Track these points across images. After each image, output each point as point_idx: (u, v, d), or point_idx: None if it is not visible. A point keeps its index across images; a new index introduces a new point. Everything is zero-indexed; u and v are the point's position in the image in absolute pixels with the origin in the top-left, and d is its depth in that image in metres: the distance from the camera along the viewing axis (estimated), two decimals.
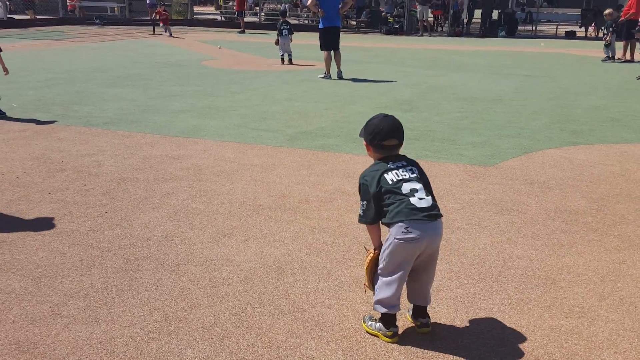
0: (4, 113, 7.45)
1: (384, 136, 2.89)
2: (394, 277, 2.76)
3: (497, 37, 23.87)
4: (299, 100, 9.10)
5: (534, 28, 26.54)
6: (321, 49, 11.58)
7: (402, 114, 8.14)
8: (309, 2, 11.55)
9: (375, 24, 26.45)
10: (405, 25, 24.98)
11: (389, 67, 13.69)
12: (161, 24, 21.75)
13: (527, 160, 5.94)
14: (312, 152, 6.11)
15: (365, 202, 2.87)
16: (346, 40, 21.25)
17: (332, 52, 11.51)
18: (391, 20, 25.53)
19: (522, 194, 4.92)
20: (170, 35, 21.14)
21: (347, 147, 6.32)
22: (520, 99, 9.50)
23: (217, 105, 8.52)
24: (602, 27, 25.00)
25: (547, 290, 3.33)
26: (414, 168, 2.93)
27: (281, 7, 12.30)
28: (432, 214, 2.77)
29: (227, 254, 3.71)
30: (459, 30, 25.32)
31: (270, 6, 37.02)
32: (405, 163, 2.93)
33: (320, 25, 11.50)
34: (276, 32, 13.93)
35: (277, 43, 13.76)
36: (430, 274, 2.88)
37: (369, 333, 2.88)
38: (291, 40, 13.88)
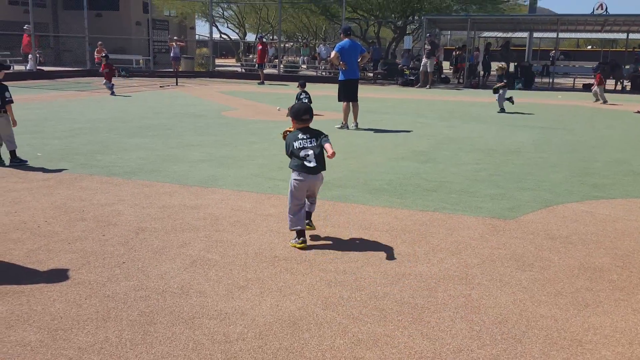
0: (25, 161, 7.60)
1: (302, 114, 4.90)
2: (297, 208, 4.82)
3: (513, 89, 24.02)
4: None
5: (551, 80, 26.70)
6: (339, 100, 11.72)
7: (419, 165, 8.15)
8: (331, 55, 11.75)
9: (391, 75, 26.79)
10: (420, 78, 25.25)
11: (405, 118, 13.79)
12: (104, 80, 18.17)
13: (548, 214, 5.88)
14: (328, 203, 6.10)
15: (286, 149, 4.93)
16: (363, 91, 21.48)
17: (351, 103, 11.64)
18: (407, 72, 25.86)
19: (544, 249, 4.85)
20: (112, 94, 17.80)
21: (364, 198, 6.31)
22: (538, 151, 9.48)
23: (235, 154, 8.60)
24: (621, 80, 25.11)
25: (573, 353, 3.23)
26: (313, 140, 4.84)
27: (300, 81, 12.59)
28: (313, 170, 4.76)
29: (241, 307, 3.67)
30: (475, 82, 25.55)
31: (290, 58, 37.79)
32: (309, 135, 4.86)
33: (341, 77, 11.67)
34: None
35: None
36: (313, 199, 5.06)
37: (294, 247, 4.80)
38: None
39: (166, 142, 9.57)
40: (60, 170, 7.29)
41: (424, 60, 24.25)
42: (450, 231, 5.27)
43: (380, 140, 10.29)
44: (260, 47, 24.18)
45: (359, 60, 11.60)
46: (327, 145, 4.79)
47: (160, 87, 21.23)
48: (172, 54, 26.90)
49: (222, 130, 11.08)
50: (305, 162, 4.72)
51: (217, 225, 5.31)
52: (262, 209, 5.83)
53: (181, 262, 4.39)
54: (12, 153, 7.65)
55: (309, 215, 5.11)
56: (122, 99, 17.18)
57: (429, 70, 24.16)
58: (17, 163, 7.57)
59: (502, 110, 15.11)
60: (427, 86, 24.04)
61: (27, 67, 24.45)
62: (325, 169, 4.86)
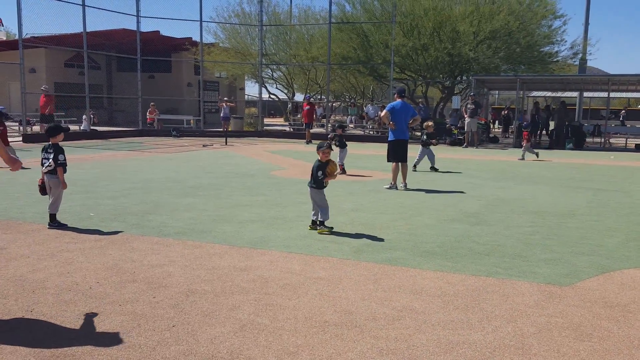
0: (65, 225, 7.64)
1: (319, 147, 7.87)
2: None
3: (564, 149, 23.66)
4: (365, 210, 9.14)
5: (602, 140, 26.22)
6: (388, 160, 11.74)
7: (470, 227, 8.01)
8: (382, 114, 11.85)
9: (439, 135, 26.74)
10: (471, 137, 25.15)
11: (455, 178, 13.68)
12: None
13: (605, 280, 5.66)
14: (378, 266, 6.03)
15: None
16: (411, 151, 21.56)
17: (400, 163, 11.65)
18: (455, 131, 25.81)
19: (602, 319, 4.64)
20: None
21: (415, 261, 6.21)
22: (593, 214, 9.22)
23: (284, 215, 8.64)
24: None
25: None
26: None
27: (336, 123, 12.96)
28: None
29: None
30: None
31: (337, 117, 38.27)
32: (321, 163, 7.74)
33: (390, 138, 11.72)
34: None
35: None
36: (317, 208, 7.84)
37: (321, 233, 7.41)
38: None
39: (216, 202, 9.72)
40: (112, 232, 7.45)
41: (467, 120, 24.20)
42: (505, 297, 5.12)
43: (430, 202, 10.21)
44: (307, 107, 24.61)
45: (410, 122, 11.67)
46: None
47: (204, 146, 21.70)
48: (222, 114, 27.64)
49: (271, 190, 11.20)
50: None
51: (267, 288, 5.29)
52: (312, 272, 5.80)
53: (231, 326, 4.37)
54: (52, 216, 7.68)
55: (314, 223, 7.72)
56: (172, 158, 17.63)
57: (473, 129, 24.07)
58: (56, 226, 7.60)
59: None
60: (475, 146, 23.89)
61: (82, 127, 25.48)
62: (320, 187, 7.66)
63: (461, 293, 5.22)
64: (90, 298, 4.97)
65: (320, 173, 7.57)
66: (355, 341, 4.15)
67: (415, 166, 15.02)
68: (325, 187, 7.70)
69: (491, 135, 28.19)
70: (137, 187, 11.17)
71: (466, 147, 23.95)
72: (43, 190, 7.80)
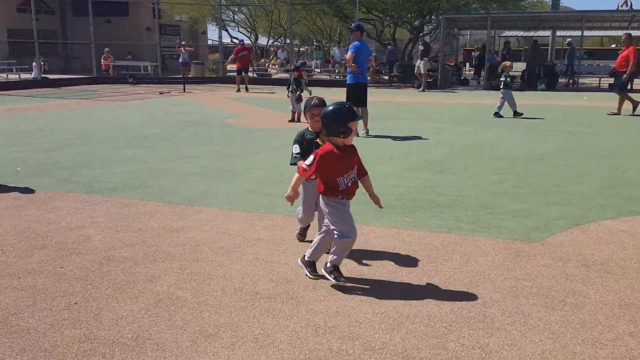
0: None
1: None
2: None
3: (536, 90, 23.10)
4: None
5: (574, 80, 25.71)
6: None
7: (433, 176, 7.40)
8: (347, 57, 11.02)
9: (408, 78, 25.96)
10: (439, 80, 24.42)
11: (421, 123, 13.01)
12: None
13: (579, 234, 5.09)
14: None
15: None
16: (377, 95, 20.81)
17: (360, 108, 10.91)
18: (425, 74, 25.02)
19: (576, 281, 4.07)
20: None
21: (368, 217, 5.57)
22: (565, 158, 8.66)
23: (232, 167, 7.91)
24: None
25: None
26: None
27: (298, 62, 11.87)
28: None
29: None
30: (495, 84, 24.65)
31: (308, 62, 37.09)
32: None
33: (349, 81, 10.95)
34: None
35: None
36: None
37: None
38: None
39: (160, 153, 8.92)
40: (36, 188, 6.66)
41: (418, 62, 23.34)
42: (466, 258, 4.52)
43: (391, 149, 9.55)
44: (242, 51, 22.64)
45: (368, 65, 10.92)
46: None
47: (160, 93, 20.61)
48: (180, 60, 26.32)
49: (223, 139, 10.41)
50: None
51: (196, 252, 4.61)
52: (252, 232, 5.13)
53: (144, 303, 3.70)
54: None
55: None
56: (124, 107, 16.63)
57: (422, 71, 23.21)
58: None
59: (498, 113, 14.04)
60: (421, 89, 23.07)
61: (32, 76, 24.09)
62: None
63: (417, 253, 4.61)
64: None
65: (297, 151, 4.55)
66: (289, 317, 3.51)
67: (498, 113, 13.97)
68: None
69: (462, 77, 27.46)
70: (77, 139, 10.29)
71: (422, 90, 23.09)
72: None
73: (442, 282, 4.05)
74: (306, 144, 4.47)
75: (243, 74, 22.25)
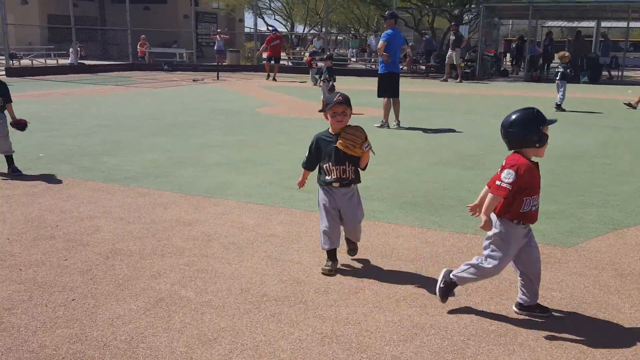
0: (19, 172, 6.58)
1: None
2: None
3: (578, 82, 22.31)
4: None
5: (619, 74, 24.77)
6: (379, 96, 10.67)
7: (464, 171, 7.06)
8: (379, 45, 10.71)
9: (444, 68, 25.35)
10: (477, 71, 23.80)
11: (456, 115, 12.60)
12: None
13: (616, 240, 4.72)
14: None
15: None
16: (413, 86, 20.35)
17: (392, 99, 10.59)
18: (463, 65, 24.43)
19: (611, 292, 3.73)
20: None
21: (392, 215, 5.29)
22: (605, 156, 8.20)
23: (255, 157, 7.70)
24: None
25: None
26: None
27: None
28: None
29: None
30: (536, 75, 23.93)
31: (341, 51, 36.74)
32: None
33: (381, 70, 10.63)
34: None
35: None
36: None
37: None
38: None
39: (186, 142, 8.77)
40: (54, 175, 6.55)
41: (449, 52, 22.69)
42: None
43: (423, 142, 9.21)
44: (274, 40, 22.25)
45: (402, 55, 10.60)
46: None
47: (194, 81, 20.56)
48: (215, 47, 26.23)
49: (250, 129, 10.21)
50: None
51: (207, 248, 4.41)
52: (267, 227, 4.90)
53: (144, 301, 3.51)
54: (9, 159, 6.66)
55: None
56: (156, 94, 16.60)
57: (455, 62, 22.61)
58: (16, 174, 6.54)
59: (559, 106, 13.59)
60: (446, 79, 22.50)
61: (69, 61, 24.31)
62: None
63: (440, 257, 4.32)
64: None
65: (308, 155, 4.02)
66: (294, 323, 3.28)
67: (559, 105, 13.46)
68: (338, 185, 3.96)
69: (501, 68, 26.73)
70: (106, 125, 10.23)
71: (442, 80, 22.48)
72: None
73: (464, 289, 3.75)
74: (318, 149, 3.92)
75: (273, 62, 21.91)
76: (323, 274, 3.93)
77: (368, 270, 4.06)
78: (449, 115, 12.60)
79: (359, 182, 4.02)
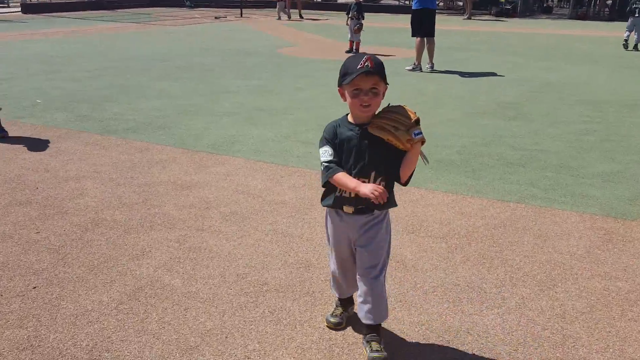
0: (5, 132, 5.54)
1: None
2: None
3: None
4: None
5: None
6: (413, 35, 9.75)
7: (505, 122, 6.26)
8: None
9: (484, 4, 23.94)
10: (519, 7, 22.35)
11: (495, 56, 11.61)
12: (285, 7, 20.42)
13: None
14: None
15: None
16: (450, 23, 19.15)
17: (426, 39, 9.67)
18: (503, 0, 22.95)
19: None
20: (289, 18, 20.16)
21: (423, 176, 4.57)
22: None
23: (271, 105, 6.98)
24: None
25: None
26: None
27: None
28: None
29: None
30: (582, 12, 22.38)
31: None
32: None
33: (414, 6, 9.69)
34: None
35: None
36: None
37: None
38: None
39: (197, 87, 8.07)
40: (48, 125, 5.95)
41: None
42: (541, 241, 3.49)
43: (458, 88, 8.36)
44: None
45: None
46: None
47: (216, 18, 19.67)
48: None
49: (269, 71, 9.44)
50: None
51: (204, 218, 3.78)
52: (276, 193, 4.24)
53: (119, 290, 2.90)
54: None
55: None
56: (173, 32, 15.79)
57: None
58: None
59: (626, 44, 12.61)
60: (466, 16, 21.17)
61: None
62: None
63: (477, 231, 3.61)
64: None
65: (326, 158, 2.30)
66: (298, 324, 2.64)
67: (630, 43, 12.71)
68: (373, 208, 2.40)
69: (545, 4, 25.15)
70: (113, 67, 9.55)
71: (468, 17, 21.15)
72: None
73: (508, 277, 3.06)
74: (342, 145, 2.28)
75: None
76: (327, 326, 2.61)
77: (394, 252, 3.38)
78: (488, 56, 11.61)
79: (394, 205, 2.40)
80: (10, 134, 5.57)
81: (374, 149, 2.23)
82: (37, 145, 5.28)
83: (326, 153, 2.28)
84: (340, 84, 2.27)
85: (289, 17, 20.34)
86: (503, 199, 4.15)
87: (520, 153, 5.21)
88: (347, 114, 2.33)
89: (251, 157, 5.04)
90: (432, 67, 9.73)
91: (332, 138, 2.29)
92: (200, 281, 3.01)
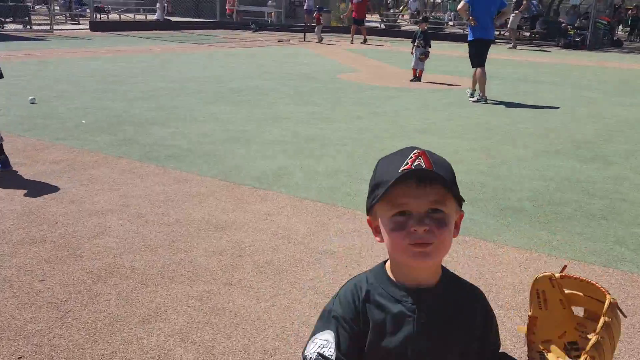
0: (8, 165, 4.87)
1: None
2: None
3: None
4: (436, 133, 6.80)
5: None
6: (473, 66, 9.12)
7: (581, 165, 5.58)
8: (459, 6, 9.18)
9: (552, 35, 22.98)
10: (588, 39, 21.30)
11: (566, 90, 10.81)
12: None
13: None
14: None
15: None
16: (515, 54, 18.36)
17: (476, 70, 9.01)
18: (572, 32, 21.95)
19: None
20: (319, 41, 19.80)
21: (489, 226, 3.96)
22: None
23: (325, 135, 6.48)
24: None
25: None
26: None
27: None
28: None
29: None
30: None
31: (439, 14, 34.57)
32: None
33: (470, 37, 9.06)
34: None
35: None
36: None
37: None
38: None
39: (249, 111, 7.66)
40: (86, 148, 5.61)
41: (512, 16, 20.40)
42: (632, 325, 2.83)
43: (527, 122, 7.67)
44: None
45: (495, 16, 8.95)
46: None
47: (279, 42, 19.49)
48: (305, 7, 24.90)
49: (327, 98, 8.97)
50: None
51: (235, 269, 3.27)
52: (322, 239, 3.71)
53: None
54: None
55: None
56: (235, 54, 15.61)
57: (509, 26, 20.35)
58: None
59: None
60: (511, 45, 20.31)
61: (155, 17, 23.81)
62: None
63: None
64: None
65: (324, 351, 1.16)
66: None
67: None
68: None
69: (615, 38, 23.96)
70: (167, 88, 9.28)
71: (513, 47, 20.29)
72: None
73: None
74: (377, 327, 1.17)
75: (356, 25, 20.62)
76: None
77: None
78: (558, 90, 10.83)
79: None
80: (47, 157, 5.26)
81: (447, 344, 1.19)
82: (71, 171, 4.93)
83: (329, 346, 1.16)
84: (369, 209, 1.21)
85: (320, 40, 20.40)
86: (585, 260, 3.50)
87: (601, 203, 4.53)
88: (385, 262, 1.26)
89: (297, 193, 4.54)
90: (484, 99, 9.03)
91: (350, 317, 1.18)
92: (219, 357, 2.49)
